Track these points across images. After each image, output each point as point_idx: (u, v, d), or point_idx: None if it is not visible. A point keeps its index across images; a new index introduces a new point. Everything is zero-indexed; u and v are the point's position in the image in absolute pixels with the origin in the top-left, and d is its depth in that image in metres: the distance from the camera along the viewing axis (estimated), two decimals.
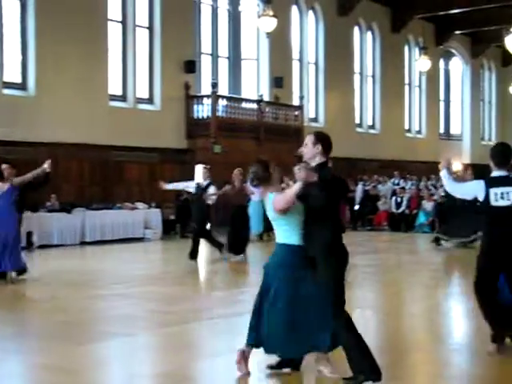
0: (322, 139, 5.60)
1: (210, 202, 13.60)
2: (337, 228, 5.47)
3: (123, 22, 19.88)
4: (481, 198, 6.39)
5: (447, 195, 17.06)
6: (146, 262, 13.44)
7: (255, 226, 17.76)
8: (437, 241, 17.11)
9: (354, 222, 23.02)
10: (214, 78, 21.98)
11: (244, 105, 21.99)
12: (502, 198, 6.36)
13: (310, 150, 5.60)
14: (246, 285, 11.09)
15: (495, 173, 6.48)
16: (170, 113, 20.46)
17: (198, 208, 13.64)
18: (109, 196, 18.81)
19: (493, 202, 6.35)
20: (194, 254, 13.23)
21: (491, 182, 6.43)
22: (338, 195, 5.52)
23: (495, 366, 6.17)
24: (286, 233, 5.55)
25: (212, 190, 13.57)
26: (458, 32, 30.32)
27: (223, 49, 23.12)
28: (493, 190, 6.32)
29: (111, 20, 19.48)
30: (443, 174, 6.69)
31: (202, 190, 13.53)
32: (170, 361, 6.30)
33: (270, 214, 5.59)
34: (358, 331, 5.36)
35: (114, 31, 19.67)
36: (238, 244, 13.66)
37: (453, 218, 16.88)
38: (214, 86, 20.86)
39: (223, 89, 22.64)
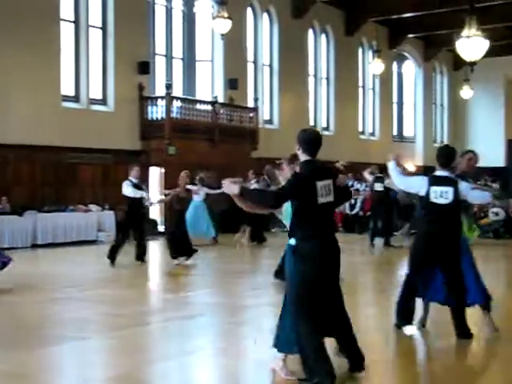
0: (299, 139, 5.65)
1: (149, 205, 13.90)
2: (307, 228, 5.40)
3: (76, 22, 19.64)
4: (422, 193, 6.90)
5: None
6: (99, 264, 13.30)
7: (208, 231, 17.68)
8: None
9: None
10: (169, 79, 21.86)
11: (198, 106, 21.92)
12: (441, 196, 6.84)
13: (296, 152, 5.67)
14: (196, 287, 11.04)
15: (438, 172, 6.97)
16: (123, 114, 20.29)
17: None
18: (61, 198, 18.57)
19: (432, 199, 6.83)
20: (140, 256, 13.49)
21: (433, 181, 6.90)
22: (303, 195, 5.39)
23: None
24: None
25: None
26: (410, 35, 30.68)
27: (177, 50, 23.01)
28: (433, 188, 6.81)
29: (63, 20, 19.23)
30: (391, 166, 6.97)
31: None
32: (122, 364, 6.24)
33: None
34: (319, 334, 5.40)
35: (66, 31, 19.42)
36: (183, 247, 13.55)
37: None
38: (168, 87, 20.75)
39: (177, 90, 22.53)
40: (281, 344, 5.66)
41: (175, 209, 13.86)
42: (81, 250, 16.96)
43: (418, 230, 7.46)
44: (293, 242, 5.38)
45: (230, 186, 5.31)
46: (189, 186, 15.08)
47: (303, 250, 5.34)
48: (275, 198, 5.39)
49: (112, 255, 13.20)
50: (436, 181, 6.90)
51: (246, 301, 9.80)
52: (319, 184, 5.38)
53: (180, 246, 13.49)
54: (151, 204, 14.56)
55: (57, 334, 7.39)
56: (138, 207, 13.50)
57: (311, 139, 5.64)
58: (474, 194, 7.06)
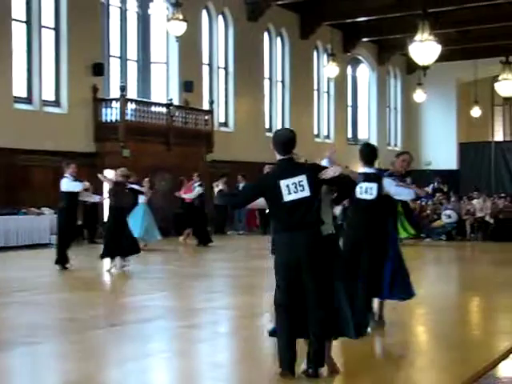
0: (273, 140, 5.72)
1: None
2: (276, 222, 5.72)
3: (28, 23, 19.37)
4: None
5: None
6: (52, 268, 13.11)
7: (152, 234, 17.49)
8: None
9: (264, 227, 23.12)
10: (123, 81, 21.70)
11: (153, 109, 21.80)
12: (366, 192, 7.21)
13: None
14: (151, 291, 10.95)
15: (362, 169, 7.28)
16: (77, 116, 20.07)
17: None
18: (13, 201, 18.26)
19: (358, 195, 7.17)
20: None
21: (360, 178, 7.10)
22: (266, 194, 5.62)
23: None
24: None
25: None
26: (364, 39, 30.96)
27: (132, 52, 22.85)
28: (360, 184, 7.06)
29: (15, 20, 18.95)
30: (324, 162, 6.81)
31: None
32: (78, 369, 6.14)
33: None
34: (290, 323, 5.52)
35: (18, 32, 19.14)
36: (116, 248, 12.98)
37: None
38: (123, 89, 20.59)
39: (132, 92, 22.38)
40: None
41: (110, 204, 13.25)
42: (33, 253, 16.71)
43: (346, 224, 7.87)
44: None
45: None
46: (134, 186, 15.15)
47: (276, 243, 5.75)
48: (234, 200, 5.96)
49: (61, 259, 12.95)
50: (363, 178, 7.18)
51: (200, 304, 9.75)
52: (283, 182, 5.48)
53: (113, 246, 12.92)
54: (100, 199, 14.29)
55: (8, 340, 7.25)
56: (76, 205, 13.17)
57: (279, 139, 5.66)
58: (398, 190, 7.37)
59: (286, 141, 5.65)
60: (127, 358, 6.48)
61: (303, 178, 5.51)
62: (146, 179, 17.44)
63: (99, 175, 13.90)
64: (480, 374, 5.93)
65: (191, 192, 18.61)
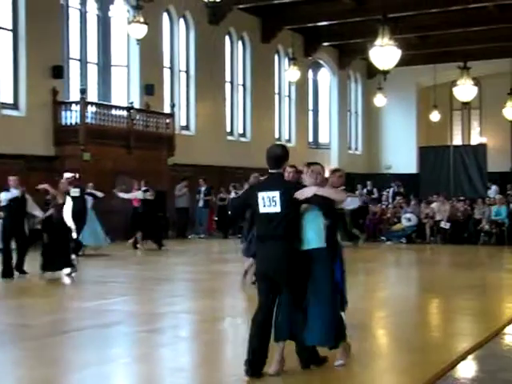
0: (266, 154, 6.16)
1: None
2: (257, 233, 6.24)
3: None
4: None
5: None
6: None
7: (98, 239, 17.30)
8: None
9: (226, 231, 23.14)
10: (83, 84, 21.48)
11: (114, 112, 21.62)
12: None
13: None
14: (111, 295, 10.86)
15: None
16: (36, 119, 19.81)
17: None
18: None
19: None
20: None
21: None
22: (249, 204, 6.17)
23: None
24: None
25: None
26: (325, 44, 31.10)
27: (92, 54, 22.63)
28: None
29: None
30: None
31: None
32: (36, 376, 6.04)
33: None
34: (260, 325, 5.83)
35: None
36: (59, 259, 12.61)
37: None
38: (83, 92, 20.39)
39: (92, 95, 22.16)
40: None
41: (56, 217, 12.84)
42: None
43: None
44: None
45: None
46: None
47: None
48: (230, 208, 6.84)
49: (17, 267, 12.68)
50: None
51: (161, 308, 9.69)
52: (261, 194, 5.87)
53: (54, 257, 12.56)
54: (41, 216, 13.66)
55: None
56: (16, 214, 12.87)
57: (268, 154, 6.10)
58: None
59: (273, 156, 6.04)
60: (86, 364, 6.40)
61: (276, 194, 5.81)
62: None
63: (40, 186, 13.48)
64: (439, 376, 5.99)
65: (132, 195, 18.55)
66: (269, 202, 5.82)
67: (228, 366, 6.68)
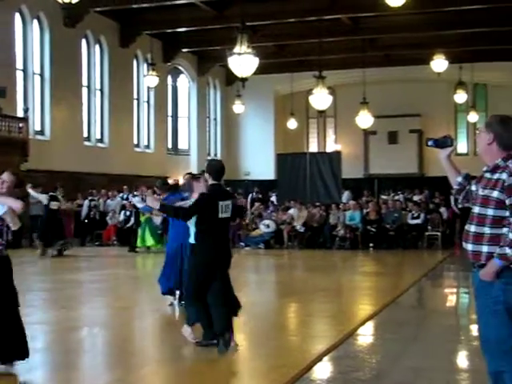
0: (207, 167, 7.34)
1: None
2: (202, 234, 7.17)
3: None
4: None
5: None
6: None
7: None
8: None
9: (83, 237, 22.61)
10: None
11: None
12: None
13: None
14: None
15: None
16: None
17: None
18: None
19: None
20: None
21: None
22: (207, 211, 7.13)
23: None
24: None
25: None
26: (185, 50, 31.07)
27: None
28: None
29: None
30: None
31: None
32: None
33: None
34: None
35: None
36: None
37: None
38: None
39: None
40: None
41: None
42: None
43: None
44: (192, 241, 7.22)
45: (153, 202, 7.47)
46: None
47: (202, 248, 7.14)
48: (186, 214, 7.16)
49: None
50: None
51: None
52: (220, 203, 7.11)
53: None
54: None
55: None
56: None
57: (217, 168, 7.27)
58: None
59: (219, 169, 7.25)
60: None
61: (229, 203, 7.25)
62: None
63: None
64: (296, 378, 6.08)
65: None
66: (225, 209, 7.14)
67: (85, 375, 6.49)
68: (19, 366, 6.62)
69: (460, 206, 22.03)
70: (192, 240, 7.26)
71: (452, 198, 21.59)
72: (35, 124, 24.03)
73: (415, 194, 26.21)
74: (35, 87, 24.26)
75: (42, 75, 24.49)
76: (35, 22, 24.11)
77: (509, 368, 4.35)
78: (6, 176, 6.51)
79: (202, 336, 7.26)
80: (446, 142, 4.80)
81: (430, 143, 4.86)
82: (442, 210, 22.27)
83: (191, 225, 7.22)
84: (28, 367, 6.66)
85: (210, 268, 7.18)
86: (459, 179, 4.77)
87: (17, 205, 6.27)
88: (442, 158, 4.82)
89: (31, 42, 24.00)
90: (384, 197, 26.32)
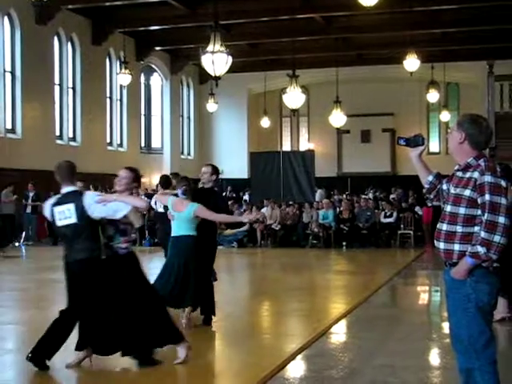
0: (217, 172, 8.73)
1: None
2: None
3: None
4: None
5: None
6: None
7: None
8: None
9: (55, 237, 22.43)
10: None
11: None
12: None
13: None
14: None
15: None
16: None
17: None
18: None
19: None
20: None
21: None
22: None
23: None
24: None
25: None
26: (158, 48, 30.95)
27: None
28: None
29: None
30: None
31: None
32: None
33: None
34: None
35: None
36: None
37: None
38: None
39: None
40: None
41: None
42: None
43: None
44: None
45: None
46: None
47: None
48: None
49: None
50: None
51: None
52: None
53: None
54: None
55: None
56: None
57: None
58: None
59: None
60: None
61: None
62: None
63: None
64: (269, 377, 6.09)
65: None
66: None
67: (58, 377, 6.44)
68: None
69: (430, 204, 22.18)
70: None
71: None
72: (6, 122, 23.78)
73: (391, 193, 26.33)
74: (6, 85, 24.00)
75: (12, 73, 24.22)
76: (6, 18, 23.84)
77: (479, 365, 4.40)
78: (123, 172, 6.54)
79: None
80: (417, 141, 4.83)
81: (401, 142, 4.89)
82: (417, 208, 22.37)
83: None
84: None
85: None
86: (430, 178, 4.81)
87: (142, 203, 6.41)
88: (413, 156, 4.86)
89: (1, 39, 23.70)
90: (364, 196, 26.09)
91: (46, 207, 6.58)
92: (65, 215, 6.31)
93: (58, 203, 6.44)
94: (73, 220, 6.29)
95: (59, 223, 6.37)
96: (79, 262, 6.27)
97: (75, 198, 6.38)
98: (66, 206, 6.33)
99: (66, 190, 6.48)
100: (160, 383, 6.24)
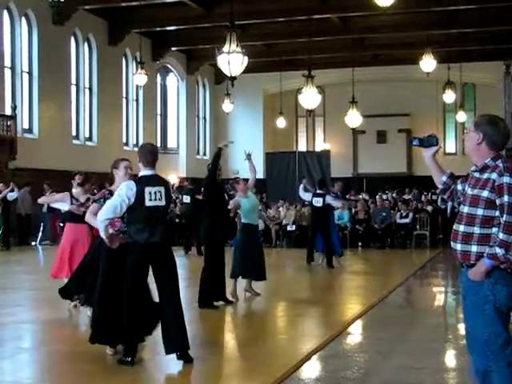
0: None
1: None
2: None
3: None
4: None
5: None
6: None
7: None
8: None
9: None
10: None
11: None
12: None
13: None
14: None
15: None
16: None
17: None
18: None
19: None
20: None
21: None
22: None
23: None
24: None
25: None
26: (174, 48, 31.03)
27: None
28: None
29: None
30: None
31: None
32: None
33: None
34: None
35: None
36: None
37: None
38: None
39: None
40: None
41: None
42: None
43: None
44: None
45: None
46: None
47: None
48: None
49: None
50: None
51: (2, 318, 9.24)
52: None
53: None
54: None
55: None
56: None
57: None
58: None
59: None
60: None
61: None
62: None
63: None
64: (284, 378, 6.09)
65: None
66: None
67: (72, 375, 6.46)
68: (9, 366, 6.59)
69: (443, 206, 21.96)
70: None
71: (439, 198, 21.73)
72: (23, 122, 23.92)
73: (405, 194, 26.21)
74: (23, 85, 24.15)
75: (30, 73, 24.38)
76: (23, 19, 23.99)
77: (496, 367, 4.37)
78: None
79: None
80: (430, 141, 4.80)
81: (414, 142, 4.87)
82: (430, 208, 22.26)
83: None
84: (14, 367, 6.64)
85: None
86: (444, 178, 4.79)
87: None
88: (427, 157, 4.83)
89: (19, 39, 23.88)
90: (384, 196, 25.87)
91: (128, 185, 6.46)
92: (156, 196, 6.49)
93: (149, 184, 6.50)
94: (163, 202, 6.53)
95: (149, 203, 6.45)
96: (166, 241, 6.61)
97: (163, 181, 6.73)
98: (158, 188, 6.53)
99: (149, 172, 6.58)
100: (175, 382, 6.25)
